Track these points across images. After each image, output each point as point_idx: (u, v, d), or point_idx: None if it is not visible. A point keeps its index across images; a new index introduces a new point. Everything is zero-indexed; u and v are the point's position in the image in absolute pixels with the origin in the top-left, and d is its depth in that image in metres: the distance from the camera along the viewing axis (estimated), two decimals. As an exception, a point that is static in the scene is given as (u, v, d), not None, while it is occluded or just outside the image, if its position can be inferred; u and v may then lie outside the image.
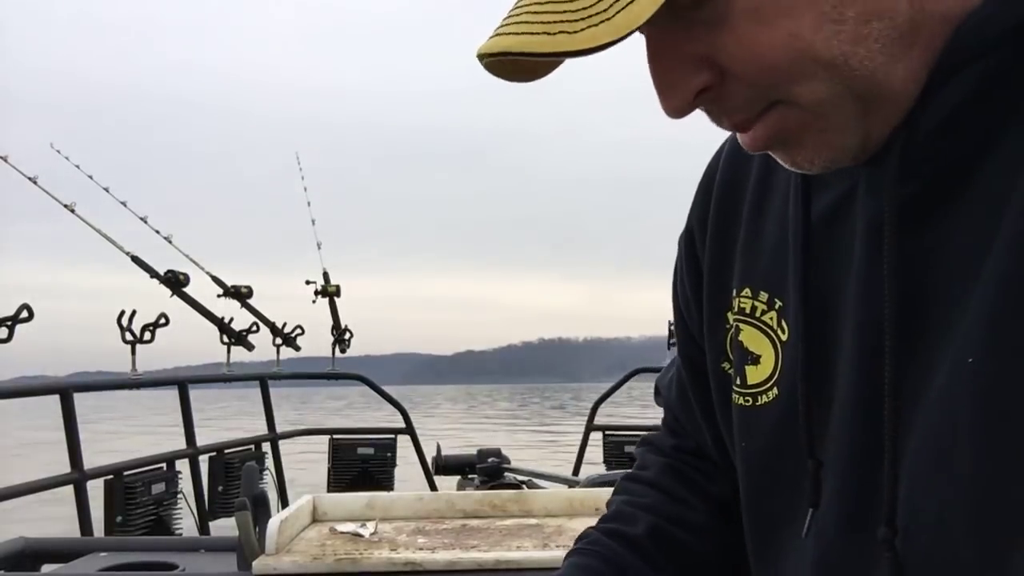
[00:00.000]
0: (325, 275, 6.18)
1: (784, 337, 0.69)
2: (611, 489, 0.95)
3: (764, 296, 0.71)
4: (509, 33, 0.52)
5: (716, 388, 0.78)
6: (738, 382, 0.73)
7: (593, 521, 0.90)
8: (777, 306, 0.70)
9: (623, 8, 0.48)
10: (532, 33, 0.51)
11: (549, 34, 0.50)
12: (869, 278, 0.60)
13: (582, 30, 0.49)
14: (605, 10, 0.49)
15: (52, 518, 4.96)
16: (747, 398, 0.72)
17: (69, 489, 3.50)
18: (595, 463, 5.41)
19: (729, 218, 0.76)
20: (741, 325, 0.72)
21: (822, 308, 0.64)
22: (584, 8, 0.49)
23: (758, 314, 0.71)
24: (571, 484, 3.95)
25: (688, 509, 0.85)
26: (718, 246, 0.77)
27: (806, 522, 0.64)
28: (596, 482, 3.08)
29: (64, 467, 3.50)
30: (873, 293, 0.59)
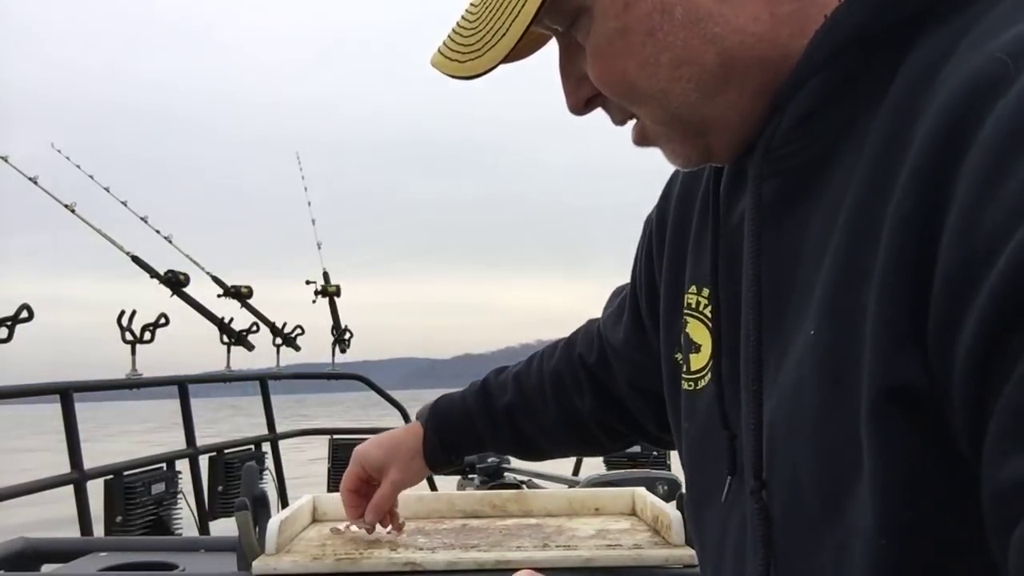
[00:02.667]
0: (325, 275, 6.19)
1: None
2: (611, 489, 1.04)
3: (705, 292, 0.80)
4: (439, 51, 0.69)
5: (667, 376, 0.88)
6: (684, 369, 0.82)
7: (593, 520, 0.95)
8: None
9: (492, 46, 0.64)
10: (446, 56, 0.68)
11: (452, 60, 0.68)
12: (744, 267, 0.68)
13: (470, 60, 0.66)
14: (480, 48, 0.65)
15: (52, 518, 4.97)
16: (691, 383, 0.81)
17: (69, 489, 3.50)
18: (595, 463, 5.41)
19: (685, 220, 0.86)
20: (688, 319, 0.82)
21: (732, 301, 0.73)
22: (470, 44, 0.66)
23: (700, 308, 0.80)
24: (571, 484, 3.95)
25: (544, 407, 1.26)
26: (674, 247, 0.88)
27: (724, 489, 0.72)
28: (596, 482, 3.07)
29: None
30: (748, 282, 0.67)
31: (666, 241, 0.89)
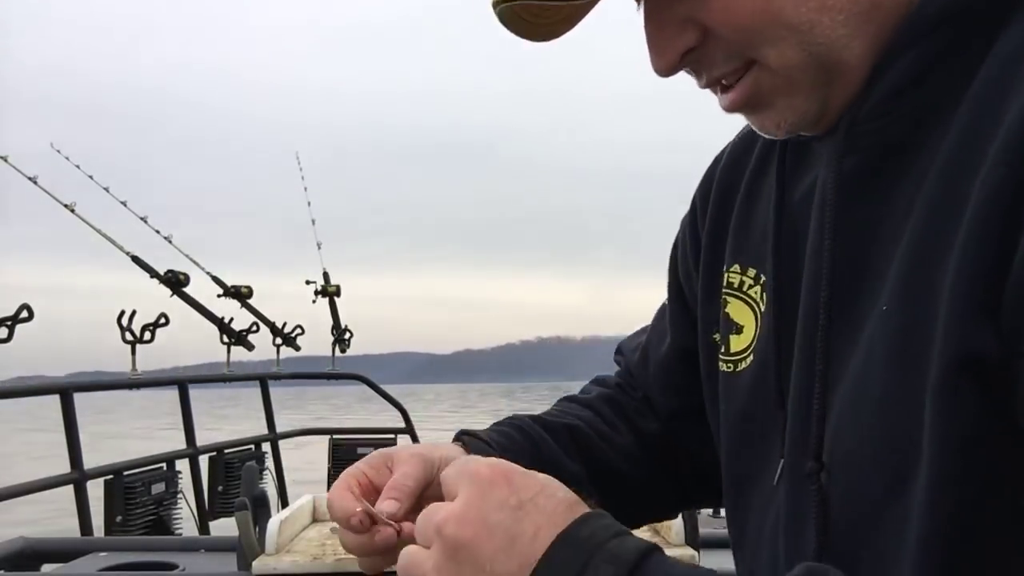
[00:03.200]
0: (325, 275, 6.19)
1: (763, 308, 0.76)
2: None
3: (752, 272, 0.77)
4: (514, 16, 0.63)
5: (704, 357, 0.84)
6: (723, 350, 0.80)
7: None
8: (762, 280, 0.76)
9: None
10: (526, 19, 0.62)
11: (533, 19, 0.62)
12: (814, 244, 0.67)
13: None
14: None
15: (52, 518, 4.97)
16: (730, 364, 0.79)
17: (69, 489, 3.50)
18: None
19: (727, 202, 0.83)
20: (728, 298, 0.79)
21: (792, 280, 0.70)
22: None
23: (745, 288, 0.78)
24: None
25: (613, 431, 0.92)
26: (715, 226, 0.84)
27: (777, 472, 0.70)
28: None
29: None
30: (817, 256, 0.65)
31: (707, 221, 0.86)
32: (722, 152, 0.88)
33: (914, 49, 0.59)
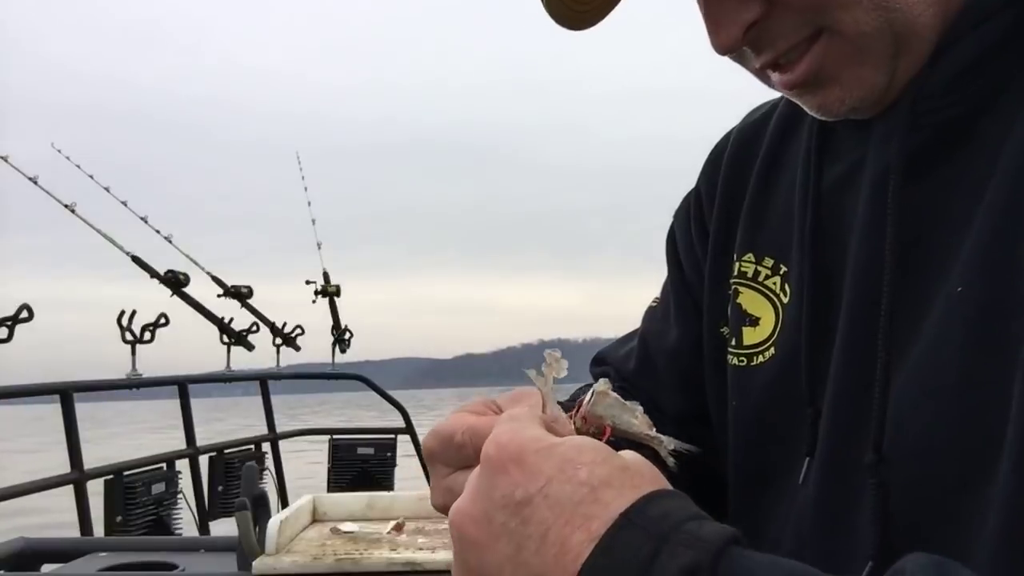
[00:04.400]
0: (325, 275, 6.18)
1: (786, 300, 0.72)
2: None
3: (769, 262, 0.74)
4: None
5: (710, 349, 0.80)
6: (733, 343, 0.75)
7: None
8: (782, 271, 0.73)
9: None
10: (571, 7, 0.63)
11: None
12: (870, 226, 0.63)
13: None
14: None
15: (52, 518, 4.97)
16: (742, 358, 0.74)
17: (69, 489, 3.50)
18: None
19: (735, 190, 0.80)
20: (740, 288, 0.75)
21: (826, 269, 0.67)
22: None
23: (761, 278, 0.74)
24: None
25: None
26: (724, 214, 0.80)
27: (803, 470, 0.66)
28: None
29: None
30: (873, 240, 0.62)
31: (715, 210, 0.82)
32: (725, 141, 0.85)
33: (984, 25, 0.57)
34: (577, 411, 0.60)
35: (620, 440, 0.59)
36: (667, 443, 0.62)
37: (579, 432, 0.57)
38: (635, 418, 0.61)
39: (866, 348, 0.61)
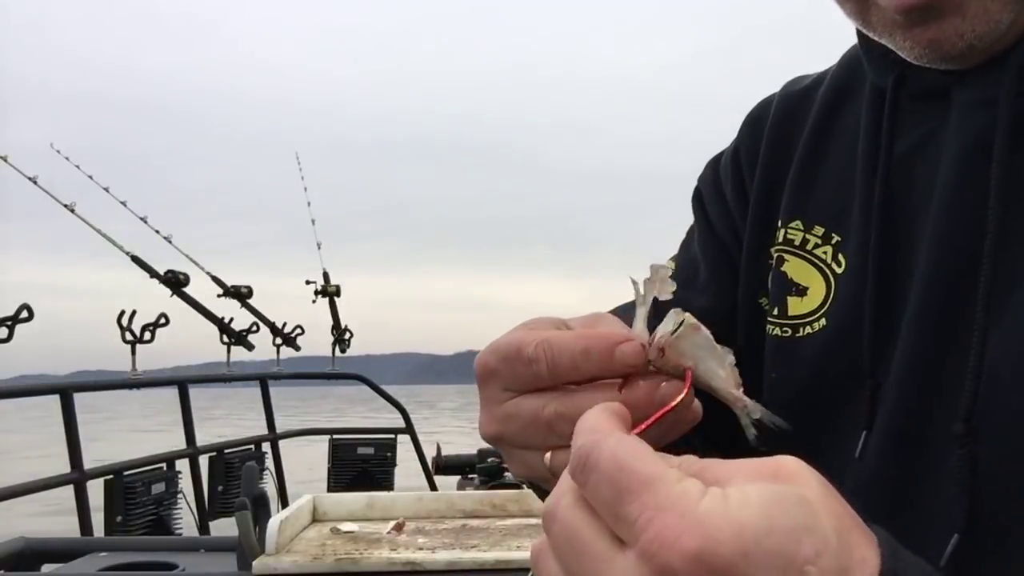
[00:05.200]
0: (325, 275, 6.19)
1: (840, 270, 0.69)
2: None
3: (819, 230, 0.71)
4: None
5: (745, 321, 0.77)
6: (775, 312, 0.72)
7: None
8: (834, 240, 0.70)
9: None
10: None
11: None
12: (960, 194, 0.61)
13: None
14: None
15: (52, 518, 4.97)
16: (785, 329, 0.71)
17: (69, 489, 3.50)
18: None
19: (780, 156, 0.77)
20: (786, 256, 0.72)
21: (892, 240, 0.65)
22: None
23: (809, 247, 0.71)
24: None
25: None
26: (766, 180, 0.77)
27: (859, 444, 0.64)
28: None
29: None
30: (964, 208, 0.60)
31: (756, 175, 0.78)
32: (766, 107, 0.81)
33: None
34: (653, 342, 0.49)
35: (696, 390, 0.49)
36: (753, 409, 0.51)
37: (652, 369, 0.48)
38: (723, 369, 0.50)
39: (940, 321, 0.60)
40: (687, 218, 0.90)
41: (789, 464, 0.36)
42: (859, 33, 0.70)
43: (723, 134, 0.85)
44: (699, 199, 0.85)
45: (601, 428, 0.38)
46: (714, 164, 0.85)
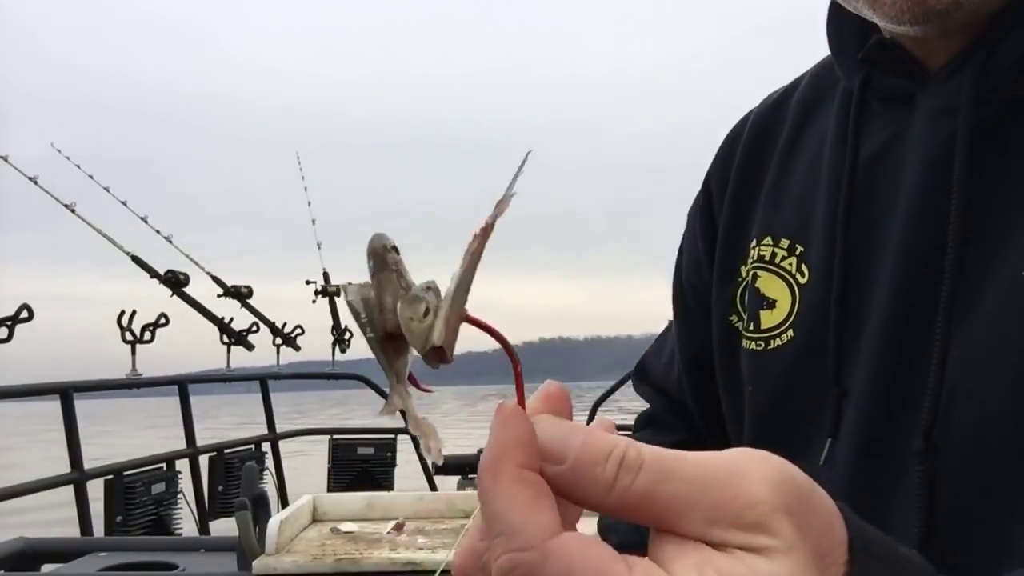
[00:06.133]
0: (325, 275, 6.18)
1: (803, 280, 0.70)
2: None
3: (785, 243, 0.72)
4: None
5: (720, 342, 0.78)
6: (750, 328, 0.74)
7: (593, 521, 0.90)
8: (798, 251, 0.71)
9: None
10: None
11: None
12: (923, 205, 0.61)
13: None
14: None
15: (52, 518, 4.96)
16: (759, 343, 0.73)
17: (69, 489, 3.50)
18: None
19: (752, 176, 0.78)
20: (759, 272, 0.74)
21: (854, 248, 0.65)
22: None
23: (777, 260, 0.72)
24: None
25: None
26: (738, 201, 0.78)
27: (823, 452, 0.64)
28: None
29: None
30: (925, 220, 0.60)
31: (727, 199, 0.79)
32: (741, 126, 0.83)
33: None
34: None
35: None
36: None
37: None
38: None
39: (904, 328, 0.60)
40: (685, 215, 0.90)
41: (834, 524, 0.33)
42: (830, 32, 0.70)
43: (723, 128, 0.86)
44: (679, 260, 0.88)
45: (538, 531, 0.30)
46: (691, 211, 0.86)
